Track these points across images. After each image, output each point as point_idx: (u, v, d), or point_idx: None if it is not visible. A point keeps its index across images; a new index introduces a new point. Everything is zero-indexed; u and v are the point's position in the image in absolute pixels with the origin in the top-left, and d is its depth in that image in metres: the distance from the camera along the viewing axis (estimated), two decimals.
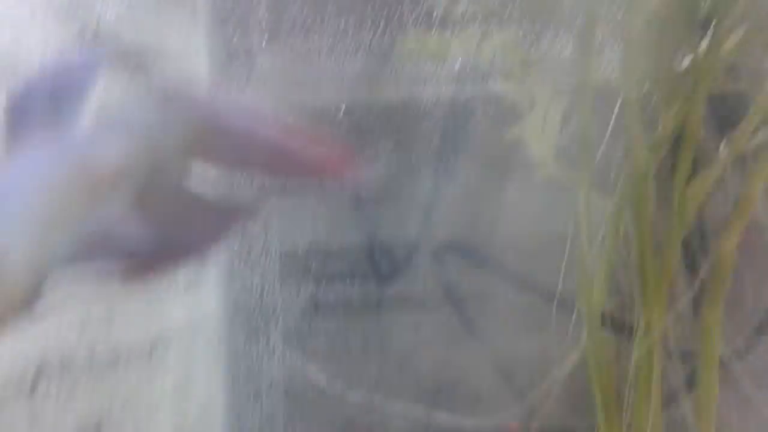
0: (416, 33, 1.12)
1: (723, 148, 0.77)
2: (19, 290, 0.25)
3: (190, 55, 1.06)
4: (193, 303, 0.99)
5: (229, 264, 1.16)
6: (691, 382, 0.80)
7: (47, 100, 0.29)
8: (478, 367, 1.18)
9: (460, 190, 1.18)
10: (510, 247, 1.14)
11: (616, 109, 0.78)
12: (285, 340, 1.18)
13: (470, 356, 1.19)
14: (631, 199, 0.78)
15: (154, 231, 0.29)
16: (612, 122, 0.81)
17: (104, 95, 0.31)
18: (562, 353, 0.92)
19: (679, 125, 0.81)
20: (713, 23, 0.80)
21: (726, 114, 0.82)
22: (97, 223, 0.28)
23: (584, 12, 0.79)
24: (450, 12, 0.93)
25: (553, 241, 1.07)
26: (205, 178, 0.31)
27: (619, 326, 0.82)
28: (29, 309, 0.26)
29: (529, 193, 1.10)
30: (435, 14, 1.10)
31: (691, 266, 0.83)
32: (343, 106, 1.16)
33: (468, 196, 1.18)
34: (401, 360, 1.20)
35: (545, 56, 1.12)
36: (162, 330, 0.83)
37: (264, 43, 1.16)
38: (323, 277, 1.19)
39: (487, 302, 1.17)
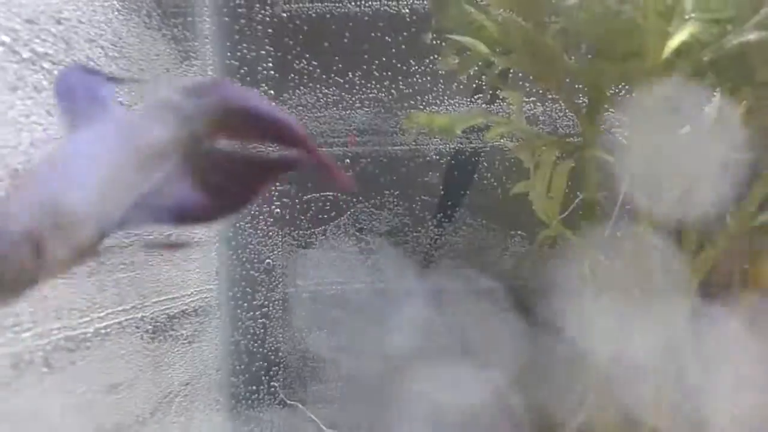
0: (420, 88, 1.14)
1: (729, 219, 0.78)
2: (88, 240, 0.33)
3: None
4: (196, 354, 0.99)
5: (232, 309, 1.16)
6: None
7: (85, 84, 0.37)
8: (487, 416, 1.18)
9: (464, 239, 1.19)
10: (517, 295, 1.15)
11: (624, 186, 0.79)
12: (286, 385, 1.18)
13: (477, 404, 1.19)
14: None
15: (198, 191, 0.35)
16: (620, 199, 0.81)
17: None
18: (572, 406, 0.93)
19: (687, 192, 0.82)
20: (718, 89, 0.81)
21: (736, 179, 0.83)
22: (149, 187, 0.35)
23: (587, 87, 0.80)
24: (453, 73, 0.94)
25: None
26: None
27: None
28: (94, 254, 0.34)
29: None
30: (439, 71, 1.13)
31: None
32: (349, 157, 1.18)
33: (472, 245, 1.19)
34: (404, 408, 1.20)
35: (550, 123, 1.14)
36: (165, 391, 0.83)
37: (271, 95, 1.17)
38: (326, 323, 1.19)
39: (498, 351, 1.17)
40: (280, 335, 1.18)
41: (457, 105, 1.17)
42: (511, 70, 1.02)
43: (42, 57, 0.48)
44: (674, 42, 0.67)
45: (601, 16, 0.70)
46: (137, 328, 0.68)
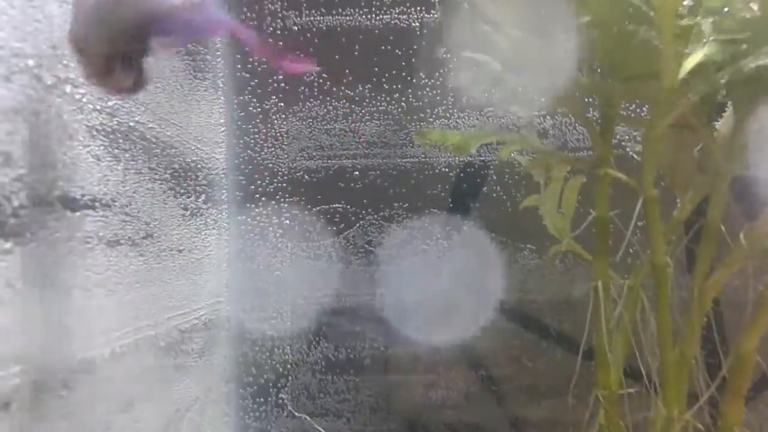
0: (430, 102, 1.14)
1: (743, 238, 0.77)
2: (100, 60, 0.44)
3: (210, 117, 1.08)
4: (206, 368, 0.99)
5: (241, 322, 1.16)
6: None
7: None
8: (493, 428, 1.18)
9: (470, 253, 1.19)
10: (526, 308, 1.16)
11: (639, 206, 0.79)
12: (293, 398, 1.18)
13: (484, 417, 1.19)
14: (650, 287, 0.79)
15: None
16: (634, 217, 0.81)
17: None
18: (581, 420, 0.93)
19: (697, 210, 0.82)
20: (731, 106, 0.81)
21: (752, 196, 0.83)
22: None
23: (602, 106, 0.80)
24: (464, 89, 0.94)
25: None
26: None
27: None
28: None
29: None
30: (450, 85, 1.13)
31: (712, 354, 0.84)
32: (358, 169, 1.18)
33: (479, 259, 1.19)
34: (411, 420, 1.20)
35: (560, 136, 1.14)
36: (177, 406, 0.83)
37: (281, 107, 1.17)
38: (334, 335, 1.19)
39: (504, 362, 1.17)
40: (289, 347, 1.18)
41: (466, 117, 1.17)
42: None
43: (63, 81, 0.49)
44: (690, 63, 0.67)
45: (615, 36, 0.70)
46: (151, 345, 0.68)
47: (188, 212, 0.87)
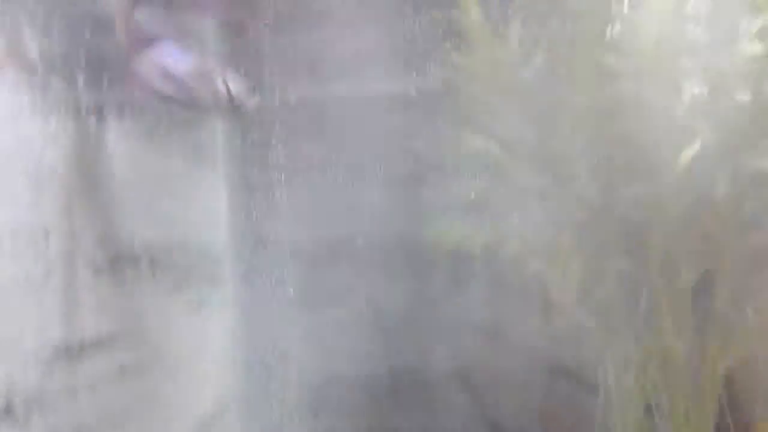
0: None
1: (752, 317, 0.77)
2: None
3: (211, 190, 1.08)
4: None
5: (246, 396, 1.15)
6: None
7: None
8: None
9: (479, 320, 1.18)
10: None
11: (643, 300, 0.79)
12: None
13: None
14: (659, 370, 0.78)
15: None
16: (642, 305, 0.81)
17: None
18: None
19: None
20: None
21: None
22: None
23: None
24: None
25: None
26: None
27: None
28: None
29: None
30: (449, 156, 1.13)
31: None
32: (362, 239, 1.17)
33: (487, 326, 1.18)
34: None
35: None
36: None
37: (282, 178, 1.17)
38: (341, 409, 1.18)
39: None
40: (297, 421, 1.17)
41: (466, 184, 1.17)
42: None
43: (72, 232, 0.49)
44: (686, 157, 0.67)
45: (613, 131, 0.70)
46: None
47: (194, 306, 0.87)
